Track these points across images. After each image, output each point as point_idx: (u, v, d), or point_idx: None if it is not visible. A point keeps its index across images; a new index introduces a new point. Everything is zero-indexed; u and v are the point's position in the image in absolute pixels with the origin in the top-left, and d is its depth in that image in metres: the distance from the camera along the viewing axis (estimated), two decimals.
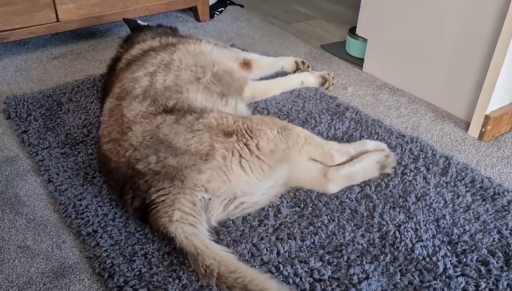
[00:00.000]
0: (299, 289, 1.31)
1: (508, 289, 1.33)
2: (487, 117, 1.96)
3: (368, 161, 1.69)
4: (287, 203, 1.61)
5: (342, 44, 2.80)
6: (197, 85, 1.79)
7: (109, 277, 1.35)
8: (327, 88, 2.34)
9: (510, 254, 1.43)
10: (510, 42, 1.80)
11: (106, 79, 2.07)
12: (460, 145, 1.98)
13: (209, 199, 1.47)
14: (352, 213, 1.57)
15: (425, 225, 1.52)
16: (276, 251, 1.42)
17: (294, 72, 2.43)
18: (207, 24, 3.19)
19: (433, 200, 1.62)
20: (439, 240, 1.47)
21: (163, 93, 1.67)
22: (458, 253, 1.42)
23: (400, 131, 1.99)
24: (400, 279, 1.35)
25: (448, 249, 1.44)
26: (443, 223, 1.53)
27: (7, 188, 1.72)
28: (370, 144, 1.76)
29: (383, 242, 1.46)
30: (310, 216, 1.56)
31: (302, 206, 1.60)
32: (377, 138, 1.93)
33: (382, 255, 1.42)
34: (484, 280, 1.34)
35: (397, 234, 1.48)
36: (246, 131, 1.54)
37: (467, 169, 1.76)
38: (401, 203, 1.61)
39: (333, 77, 2.36)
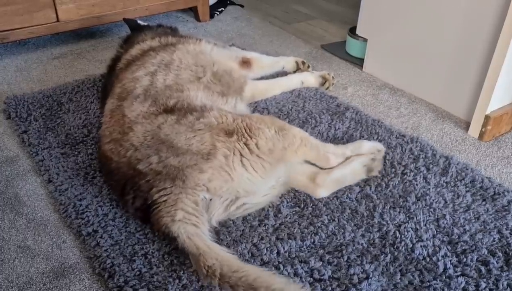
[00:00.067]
0: (301, 284, 1.31)
1: (508, 289, 1.33)
2: (487, 117, 1.96)
3: (355, 163, 1.69)
4: (287, 203, 1.61)
5: (342, 44, 2.80)
6: (198, 84, 1.79)
7: (109, 277, 1.35)
8: (327, 88, 2.34)
9: (510, 254, 1.43)
10: (510, 42, 1.80)
11: (106, 80, 2.07)
12: (460, 145, 1.98)
13: (210, 199, 1.47)
14: (352, 213, 1.57)
15: (425, 225, 1.52)
16: (276, 251, 1.42)
17: (295, 72, 2.43)
18: (207, 24, 3.19)
19: (433, 200, 1.62)
20: (439, 240, 1.47)
21: (164, 92, 1.67)
22: (458, 253, 1.43)
23: (400, 131, 1.99)
24: (400, 279, 1.35)
25: (448, 249, 1.44)
26: (443, 223, 1.53)
27: (7, 188, 1.72)
28: (366, 145, 1.76)
29: (383, 242, 1.46)
30: (310, 216, 1.56)
31: (302, 206, 1.60)
32: (377, 138, 1.93)
33: (382, 255, 1.42)
34: (484, 280, 1.34)
35: (397, 234, 1.48)
36: (245, 130, 1.54)
37: (467, 169, 1.76)
38: (401, 203, 1.61)
39: (333, 77, 2.36)
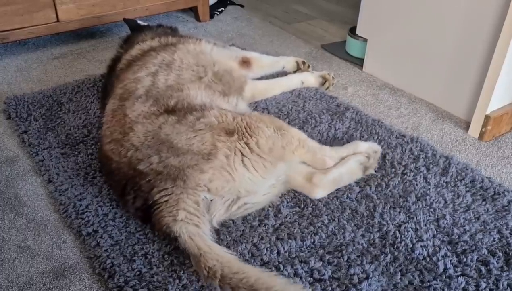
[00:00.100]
0: (301, 285, 1.31)
1: (509, 289, 1.33)
2: (487, 117, 1.96)
3: (351, 162, 1.69)
4: (287, 203, 1.61)
5: (342, 44, 2.80)
6: (199, 84, 1.79)
7: (109, 277, 1.35)
8: (327, 88, 2.34)
9: (510, 254, 1.43)
10: (510, 42, 1.80)
11: (106, 80, 2.07)
12: (460, 145, 1.98)
13: (211, 200, 1.47)
14: (352, 213, 1.57)
15: (425, 225, 1.52)
16: (276, 251, 1.42)
17: (295, 72, 2.43)
18: (207, 24, 3.19)
19: (433, 200, 1.62)
20: (439, 240, 1.47)
21: (165, 92, 1.67)
22: (458, 253, 1.42)
23: (400, 131, 1.99)
24: (400, 279, 1.35)
25: (448, 249, 1.44)
26: (443, 223, 1.53)
27: (7, 188, 1.72)
28: (362, 146, 1.76)
29: (383, 242, 1.46)
30: (310, 216, 1.56)
31: (302, 206, 1.60)
32: (377, 138, 1.93)
33: (382, 255, 1.42)
34: (484, 280, 1.34)
35: (397, 234, 1.48)
36: (245, 130, 1.54)
37: (467, 169, 1.76)
38: (401, 203, 1.61)
39: (333, 77, 2.36)
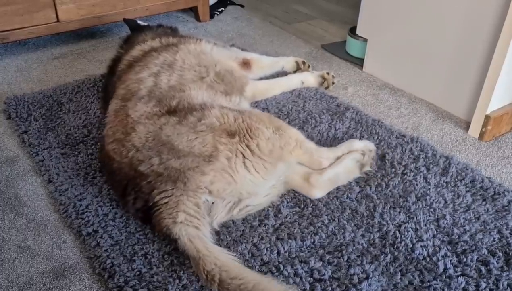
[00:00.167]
0: (300, 289, 1.31)
1: (509, 289, 1.33)
2: (487, 117, 1.96)
3: (348, 161, 1.69)
4: (287, 203, 1.61)
5: (343, 44, 2.80)
6: (201, 84, 1.79)
7: (109, 277, 1.35)
8: (326, 88, 2.34)
9: (510, 254, 1.43)
10: (510, 42, 1.80)
11: (106, 80, 2.08)
12: (461, 145, 1.98)
13: (213, 202, 1.47)
14: (352, 213, 1.57)
15: (425, 225, 1.52)
16: (276, 251, 1.42)
17: (295, 72, 2.43)
18: (207, 24, 3.19)
19: (433, 200, 1.62)
20: (439, 240, 1.47)
21: (168, 93, 1.67)
22: (458, 253, 1.42)
23: (400, 131, 1.99)
24: (400, 279, 1.35)
25: (448, 249, 1.44)
26: (443, 223, 1.53)
27: (8, 188, 1.72)
28: (357, 144, 1.76)
29: (383, 242, 1.46)
30: (310, 216, 1.56)
31: (302, 206, 1.60)
32: (377, 138, 1.93)
33: (382, 255, 1.42)
34: (485, 280, 1.34)
35: (398, 234, 1.48)
36: (246, 131, 1.54)
37: (467, 169, 1.76)
38: (402, 203, 1.61)
39: (333, 76, 2.36)
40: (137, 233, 1.50)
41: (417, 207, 1.59)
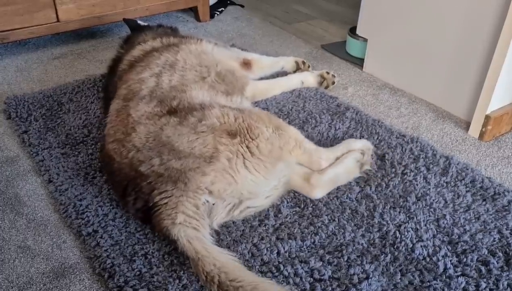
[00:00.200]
0: (300, 289, 1.31)
1: (509, 289, 1.33)
2: (487, 117, 1.96)
3: (348, 161, 1.69)
4: (288, 203, 1.61)
5: (343, 44, 2.80)
6: (202, 84, 1.79)
7: (109, 277, 1.35)
8: (326, 87, 2.34)
9: (510, 254, 1.43)
10: (510, 42, 1.80)
11: (107, 80, 2.07)
12: (461, 145, 1.98)
13: (213, 204, 1.47)
14: (352, 213, 1.57)
15: (425, 225, 1.52)
16: (276, 251, 1.42)
17: (295, 72, 2.43)
18: (207, 24, 3.19)
19: (433, 200, 1.62)
20: (440, 240, 1.47)
21: (169, 93, 1.67)
22: (458, 253, 1.42)
23: (400, 131, 1.99)
24: (400, 279, 1.35)
25: (448, 249, 1.44)
26: (443, 223, 1.53)
27: (8, 188, 1.72)
28: (355, 144, 1.76)
29: (384, 242, 1.46)
30: (310, 216, 1.56)
31: (302, 206, 1.60)
32: (377, 138, 1.93)
33: (382, 255, 1.42)
34: (485, 280, 1.34)
35: (398, 234, 1.48)
36: (247, 131, 1.54)
37: (467, 169, 1.76)
38: (402, 203, 1.61)
39: (333, 75, 2.35)
40: (137, 233, 1.50)
41: (417, 207, 1.59)
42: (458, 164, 1.79)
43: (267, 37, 2.99)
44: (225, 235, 1.48)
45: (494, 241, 1.47)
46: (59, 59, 2.66)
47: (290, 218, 1.55)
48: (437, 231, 1.50)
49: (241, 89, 2.00)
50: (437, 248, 1.44)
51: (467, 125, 2.07)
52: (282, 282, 1.33)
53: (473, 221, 1.54)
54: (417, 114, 2.19)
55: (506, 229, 1.51)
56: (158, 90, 1.69)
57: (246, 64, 2.23)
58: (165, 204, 1.41)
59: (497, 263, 1.39)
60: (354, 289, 1.31)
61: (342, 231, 1.50)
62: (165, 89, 1.69)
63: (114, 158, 1.55)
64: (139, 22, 2.36)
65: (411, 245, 1.45)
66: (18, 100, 2.18)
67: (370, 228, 1.51)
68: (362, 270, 1.37)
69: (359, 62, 2.61)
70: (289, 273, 1.35)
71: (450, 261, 1.40)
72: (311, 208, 1.59)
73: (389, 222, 1.53)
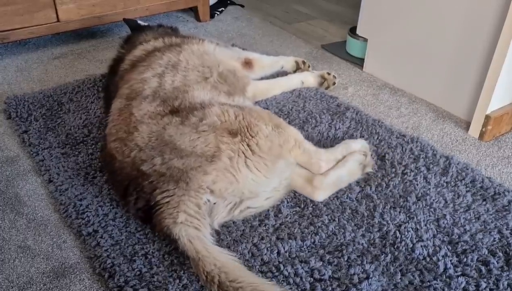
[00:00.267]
0: (300, 289, 1.31)
1: (509, 289, 1.33)
2: (487, 117, 1.96)
3: (351, 163, 1.68)
4: (288, 202, 1.61)
5: (343, 44, 2.80)
6: (205, 84, 1.79)
7: (109, 277, 1.36)
8: (327, 88, 2.34)
9: (510, 254, 1.43)
10: (510, 42, 1.80)
11: (108, 79, 2.07)
12: (461, 145, 1.98)
13: (214, 203, 1.47)
14: (352, 213, 1.57)
15: (425, 225, 1.52)
16: (276, 251, 1.42)
17: (295, 72, 2.43)
18: (207, 24, 3.19)
19: (433, 200, 1.62)
20: (440, 240, 1.47)
21: (172, 93, 1.67)
22: (458, 253, 1.42)
23: (400, 131, 1.99)
24: (400, 279, 1.35)
25: (448, 249, 1.44)
26: (443, 222, 1.53)
27: (8, 188, 1.72)
28: (355, 144, 1.75)
29: (384, 242, 1.46)
30: (310, 216, 1.56)
31: (302, 206, 1.60)
32: (377, 138, 1.93)
33: (382, 255, 1.42)
34: (485, 280, 1.34)
35: (398, 234, 1.48)
36: (247, 129, 1.54)
37: (467, 169, 1.76)
38: (402, 203, 1.61)
39: (334, 76, 2.35)
40: (137, 232, 1.50)
41: (417, 207, 1.59)
42: (458, 163, 1.79)
43: (267, 37, 2.99)
44: (225, 235, 1.48)
45: (494, 241, 1.47)
46: (59, 59, 2.66)
47: (290, 218, 1.55)
48: (437, 231, 1.50)
49: (243, 89, 2.00)
50: (437, 248, 1.44)
51: (467, 125, 2.07)
52: (282, 282, 1.33)
53: (473, 221, 1.54)
54: (417, 114, 2.19)
55: (506, 229, 1.51)
56: (161, 90, 1.69)
57: (248, 63, 2.23)
58: (167, 203, 1.41)
59: (497, 263, 1.39)
60: (354, 289, 1.31)
61: (342, 231, 1.50)
62: (167, 90, 1.69)
63: (116, 157, 1.55)
64: (139, 22, 2.36)
65: (411, 245, 1.45)
66: (18, 100, 2.18)
67: (370, 228, 1.51)
68: (362, 270, 1.37)
69: (359, 62, 2.61)
70: (289, 273, 1.35)
71: (450, 261, 1.40)
72: (311, 208, 1.59)
73: (389, 222, 1.53)
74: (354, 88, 2.39)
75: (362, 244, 1.46)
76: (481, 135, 2.00)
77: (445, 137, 2.03)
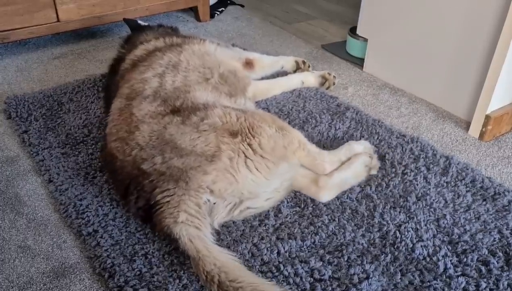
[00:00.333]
0: (300, 289, 1.31)
1: (509, 289, 1.33)
2: (487, 117, 1.96)
3: (357, 165, 1.68)
4: (288, 202, 1.61)
5: (343, 44, 2.80)
6: (206, 85, 1.79)
7: (109, 277, 1.36)
8: (327, 88, 2.34)
9: (510, 254, 1.43)
10: (510, 42, 1.80)
11: (108, 79, 2.08)
12: (461, 145, 1.98)
13: (214, 203, 1.47)
14: (352, 213, 1.57)
15: (425, 225, 1.52)
16: (276, 251, 1.42)
17: (295, 71, 2.43)
18: (207, 24, 3.19)
19: (433, 200, 1.62)
20: (440, 239, 1.47)
21: (173, 94, 1.67)
22: (458, 253, 1.42)
23: (400, 131, 1.99)
24: (400, 279, 1.35)
25: (448, 249, 1.44)
26: (443, 222, 1.53)
27: (8, 188, 1.72)
28: (358, 146, 1.75)
29: (384, 242, 1.46)
30: (310, 215, 1.56)
31: (302, 206, 1.60)
32: (377, 138, 1.93)
33: (382, 255, 1.42)
34: (485, 280, 1.34)
35: (398, 234, 1.48)
36: (248, 130, 1.54)
37: (467, 169, 1.76)
38: (402, 203, 1.61)
39: (334, 76, 2.35)
40: (137, 232, 1.50)
41: (417, 206, 1.59)
42: (458, 163, 1.79)
43: (267, 37, 2.99)
44: (225, 235, 1.48)
45: (494, 241, 1.47)
46: (59, 59, 2.66)
47: (290, 218, 1.55)
48: (437, 231, 1.50)
49: (243, 90, 2.00)
50: (437, 248, 1.44)
51: (467, 125, 2.07)
52: (282, 282, 1.33)
53: (473, 221, 1.54)
54: (417, 114, 2.19)
55: (506, 229, 1.51)
56: (161, 91, 1.69)
57: (249, 64, 2.23)
58: (167, 203, 1.41)
59: (497, 263, 1.39)
60: (354, 289, 1.31)
61: (342, 231, 1.50)
62: (168, 90, 1.69)
63: (117, 156, 1.55)
64: (139, 22, 2.36)
65: (411, 245, 1.45)
66: (18, 100, 2.18)
67: (370, 228, 1.51)
68: (362, 270, 1.37)
69: (359, 62, 2.61)
70: (289, 273, 1.35)
71: (450, 261, 1.40)
72: (311, 208, 1.59)
73: (389, 222, 1.53)
74: (354, 88, 2.39)
75: (362, 244, 1.46)
76: (481, 135, 2.00)
77: (445, 137, 2.03)
